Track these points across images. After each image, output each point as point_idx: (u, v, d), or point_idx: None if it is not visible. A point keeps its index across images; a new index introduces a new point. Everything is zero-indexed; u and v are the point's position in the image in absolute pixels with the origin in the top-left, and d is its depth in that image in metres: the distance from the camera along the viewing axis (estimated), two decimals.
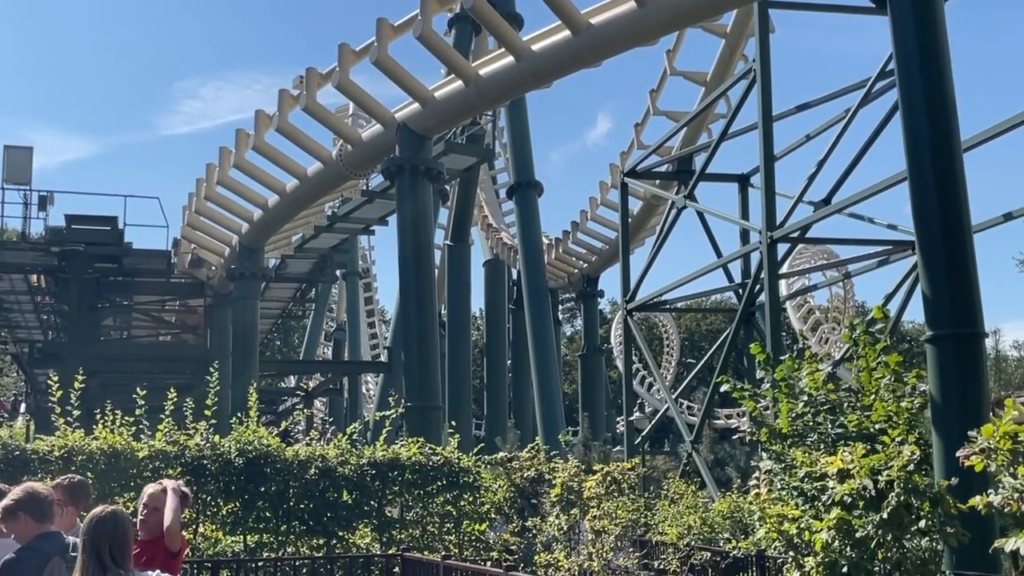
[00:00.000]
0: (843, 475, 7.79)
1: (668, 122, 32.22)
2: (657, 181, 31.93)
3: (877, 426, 13.09)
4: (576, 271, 51.90)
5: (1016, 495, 5.36)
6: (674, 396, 28.63)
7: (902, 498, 7.12)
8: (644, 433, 30.95)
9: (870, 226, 24.11)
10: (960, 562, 7.79)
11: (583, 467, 15.64)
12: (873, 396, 13.61)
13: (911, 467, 7.42)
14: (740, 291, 29.97)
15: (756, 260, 26.90)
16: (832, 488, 7.72)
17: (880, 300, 25.15)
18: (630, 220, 34.38)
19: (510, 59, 25.01)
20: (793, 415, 13.84)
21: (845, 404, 13.92)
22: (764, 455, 13.77)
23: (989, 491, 5.61)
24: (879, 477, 7.41)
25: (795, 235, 21.76)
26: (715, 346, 32.94)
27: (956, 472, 8.49)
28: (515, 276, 54.02)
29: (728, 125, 24.20)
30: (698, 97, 30.14)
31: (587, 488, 13.96)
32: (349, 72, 28.37)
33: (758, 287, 23.71)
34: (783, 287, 29.49)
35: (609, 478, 13.75)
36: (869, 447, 8.47)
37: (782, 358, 14.74)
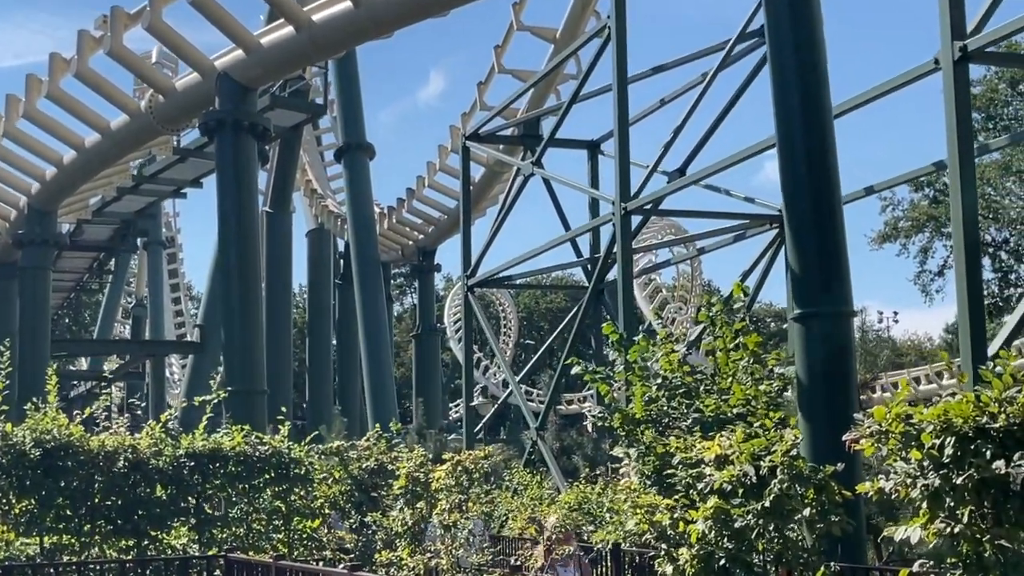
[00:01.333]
0: (721, 461, 7.96)
1: (515, 82, 32.37)
2: (501, 146, 32.05)
3: (735, 410, 13.52)
4: (411, 243, 51.72)
5: (909, 480, 5.57)
6: (516, 380, 28.89)
7: (785, 485, 7.33)
8: (485, 419, 31.22)
9: (727, 199, 24.83)
10: (829, 552, 8.10)
11: (430, 456, 15.59)
12: (730, 379, 14.04)
13: (794, 452, 7.66)
14: (589, 267, 30.47)
15: (607, 233, 27.37)
16: (709, 475, 7.89)
17: (733, 278, 25.96)
18: (471, 188, 34.45)
19: (347, 4, 24.57)
20: (647, 399, 14.15)
21: (701, 388, 14.30)
22: (620, 442, 14.00)
23: (880, 476, 5.82)
24: (761, 463, 7.61)
25: (649, 207, 22.20)
26: (561, 326, 33.39)
27: (827, 456, 8.81)
28: (342, 247, 53.42)
29: (580, 87, 24.44)
30: (547, 55, 30.35)
31: (435, 479, 13.93)
32: (161, 12, 27.38)
33: (610, 262, 24.11)
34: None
35: (460, 468, 13.74)
36: (749, 431, 8.69)
37: (635, 338, 15.04)
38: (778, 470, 7.44)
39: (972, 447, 5.36)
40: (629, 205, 21.33)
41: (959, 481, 5.34)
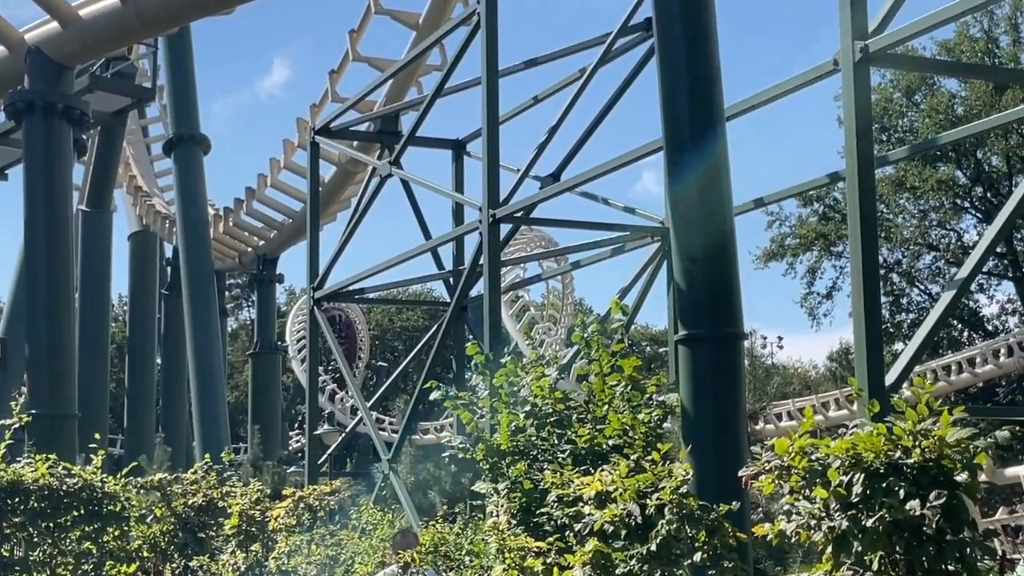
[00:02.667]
0: (603, 499, 7.84)
1: (371, 71, 32.10)
2: (355, 143, 31.69)
3: (611, 441, 13.49)
4: (250, 249, 50.84)
5: (813, 522, 5.51)
6: (368, 405, 28.51)
7: (674, 527, 7.23)
8: (331, 449, 30.73)
9: (605, 208, 24.93)
10: None
11: (268, 492, 15.17)
12: (606, 407, 14.01)
13: (684, 489, 7.56)
14: (451, 280, 30.31)
15: (472, 244, 27.20)
16: (589, 515, 7.75)
17: (610, 295, 26.07)
18: (320, 189, 33.97)
19: None
20: (514, 428, 14.02)
21: (574, 416, 14.23)
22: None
23: (780, 517, 5.75)
24: (647, 501, 7.50)
25: (520, 214, 22.15)
26: (419, 347, 33.16)
27: (713, 493, 8.77)
28: (170, 253, 52.30)
29: (444, 80, 24.27)
30: (408, 43, 30.17)
31: (274, 518, 13.52)
32: None
33: (476, 274, 23.99)
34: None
35: (303, 505, 13.36)
36: (634, 465, 8.61)
37: (503, 361, 14.91)
38: (666, 509, 7.35)
39: (884, 485, 5.33)
40: (498, 212, 21.22)
41: (869, 523, 5.30)
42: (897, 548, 5.33)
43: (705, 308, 12.33)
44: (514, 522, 13.38)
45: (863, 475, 5.39)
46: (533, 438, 13.96)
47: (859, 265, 13.45)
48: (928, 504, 5.20)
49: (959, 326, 65.45)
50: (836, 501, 5.48)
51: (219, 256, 49.17)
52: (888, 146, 62.97)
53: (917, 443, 5.41)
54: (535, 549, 8.75)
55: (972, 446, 5.27)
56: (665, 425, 13.84)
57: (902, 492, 5.29)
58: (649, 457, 11.81)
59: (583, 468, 13.36)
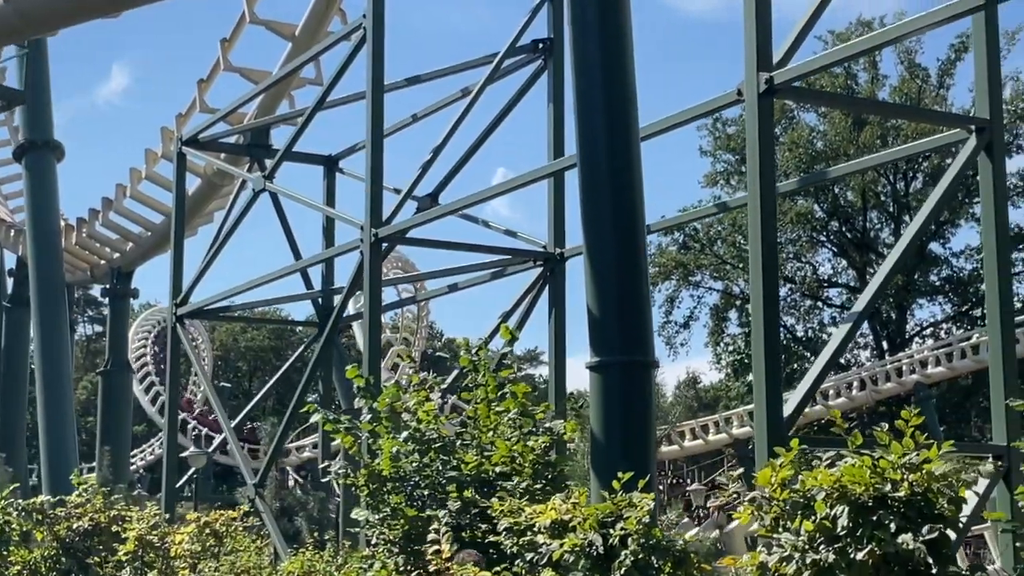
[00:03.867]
0: (559, 528, 7.69)
1: (241, 82, 31.56)
2: (223, 155, 31.06)
3: (498, 468, 13.37)
4: (103, 262, 49.39)
5: (798, 555, 5.46)
6: (232, 426, 27.84)
7: (640, 556, 7.12)
8: (191, 472, 29.99)
9: (484, 231, 24.78)
10: None
11: (167, 516, 14.59)
12: (491, 432, 13.89)
13: (648, 519, 7.46)
14: (320, 300, 29.87)
15: (341, 265, 26.88)
16: (544, 544, 7.59)
17: (489, 319, 25.98)
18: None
19: None
20: (396, 453, 13.79)
21: (458, 442, 14.07)
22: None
23: (760, 549, 5.68)
24: (611, 531, 7.37)
25: (400, 235, 21.95)
26: (285, 366, 32.62)
27: None
28: (13, 263, 50.64)
29: (326, 94, 23.99)
30: (283, 56, 29.75)
31: (176, 543, 13.00)
32: None
33: (351, 295, 23.69)
34: (351, 305, 29.73)
35: (208, 531, 12.90)
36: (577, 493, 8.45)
37: (385, 384, 14.68)
38: (630, 539, 7.24)
39: (874, 518, 5.31)
40: (381, 231, 20.98)
41: (860, 556, 5.26)
42: None
43: (616, 335, 12.29)
44: (395, 549, 13.17)
45: (848, 508, 5.38)
46: (415, 463, 13.75)
47: (759, 295, 13.56)
48: (920, 538, 5.21)
49: (812, 358, 67.07)
50: (821, 534, 5.45)
51: (69, 269, 47.72)
52: (781, 172, 64.48)
53: (905, 477, 5.42)
54: None
55: (958, 480, 5.30)
56: (551, 453, 13.78)
57: (893, 525, 5.29)
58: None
59: (469, 496, 13.25)
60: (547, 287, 22.58)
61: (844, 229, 63.47)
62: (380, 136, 21.62)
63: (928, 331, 63.78)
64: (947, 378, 56.42)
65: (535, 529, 7.97)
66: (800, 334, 67.00)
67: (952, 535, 5.35)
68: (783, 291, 66.65)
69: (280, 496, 27.30)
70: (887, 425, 6.00)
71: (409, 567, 12.86)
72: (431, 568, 8.77)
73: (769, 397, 13.18)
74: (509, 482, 12.90)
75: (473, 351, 14.45)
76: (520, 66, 23.77)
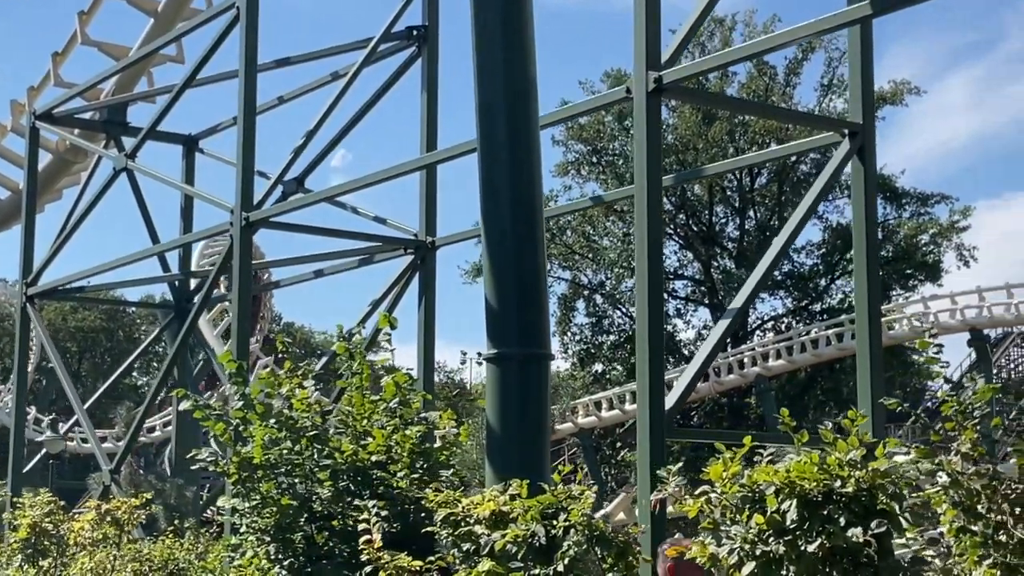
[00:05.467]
0: (498, 519, 7.86)
1: (99, 57, 30.78)
2: (76, 131, 30.32)
3: (374, 457, 13.49)
4: None
5: (748, 547, 5.76)
6: (84, 408, 27.26)
7: (583, 547, 7.34)
8: (36, 459, 29.28)
9: (352, 217, 24.76)
10: None
11: (61, 503, 14.24)
12: (365, 421, 13.99)
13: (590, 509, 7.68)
14: (177, 284, 29.50)
15: (200, 248, 26.57)
16: (484, 535, 7.74)
17: (359, 305, 25.95)
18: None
19: None
20: (268, 441, 13.78)
21: (332, 431, 14.14)
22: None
23: (710, 540, 5.97)
24: (554, 523, 7.57)
25: (272, 218, 21.84)
26: (141, 349, 32.13)
27: None
28: None
29: (195, 72, 23.68)
30: (145, 30, 29.18)
31: (75, 531, 12.72)
32: None
33: (218, 278, 23.46)
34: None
35: (109, 518, 12.67)
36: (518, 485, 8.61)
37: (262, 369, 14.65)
38: (573, 530, 7.46)
39: (824, 513, 5.64)
40: (252, 215, 20.85)
41: (810, 549, 5.59)
42: (834, 573, 5.66)
43: (515, 327, 12.51)
44: (267, 539, 13.19)
45: (796, 502, 5.70)
46: (288, 451, 13.77)
47: (644, 290, 13.96)
48: (871, 531, 5.56)
49: None
50: (771, 527, 5.76)
51: None
52: (598, 168, 65.41)
53: (851, 474, 5.78)
54: (410, 567, 8.64)
55: (902, 476, 5.67)
56: (426, 443, 13.94)
57: (842, 520, 5.64)
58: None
59: (344, 484, 13.34)
60: (417, 276, 22.71)
61: (691, 222, 64.85)
62: (252, 118, 21.49)
63: (769, 324, 65.63)
64: (787, 371, 58.24)
65: (472, 520, 8.15)
66: None
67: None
68: (630, 283, 67.80)
69: (135, 482, 26.82)
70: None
71: (280, 556, 12.92)
72: (363, 558, 8.86)
73: (652, 390, 13.60)
74: (385, 471, 13.06)
75: (348, 338, 14.50)
76: (393, 52, 23.82)
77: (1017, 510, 6.98)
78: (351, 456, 13.37)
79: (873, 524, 5.65)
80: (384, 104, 24.05)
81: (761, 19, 61.86)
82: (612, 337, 66.77)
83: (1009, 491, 7.07)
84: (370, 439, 13.37)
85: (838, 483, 5.79)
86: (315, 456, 13.57)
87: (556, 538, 7.56)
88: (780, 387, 60.64)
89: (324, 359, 22.43)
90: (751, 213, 64.98)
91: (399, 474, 13.01)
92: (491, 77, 12.95)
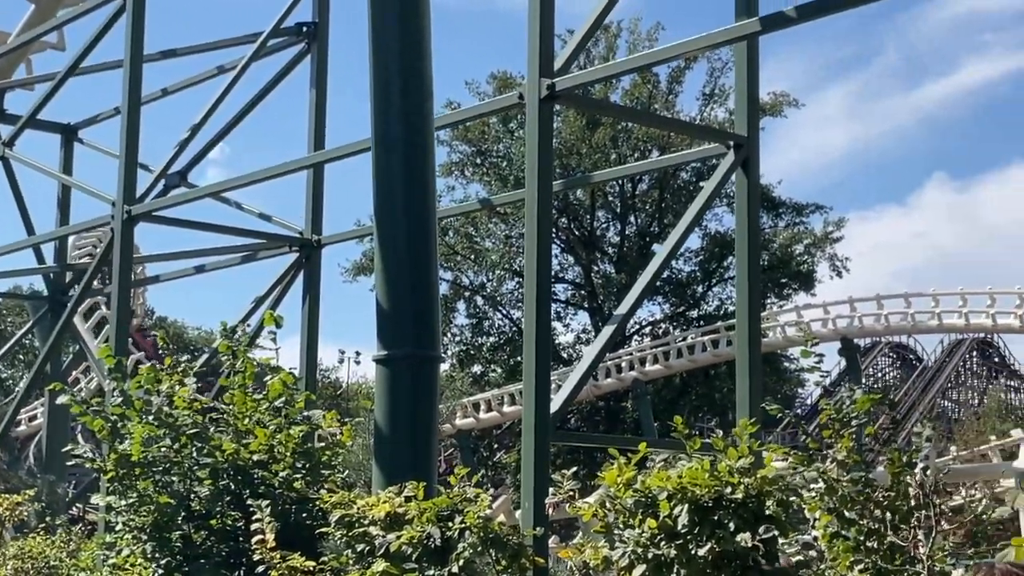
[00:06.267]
0: (394, 521, 7.92)
1: None
2: None
3: (256, 457, 13.47)
4: None
5: (640, 550, 5.93)
6: None
7: (478, 549, 7.44)
8: None
9: (236, 212, 24.53)
10: None
11: None
12: (247, 420, 13.96)
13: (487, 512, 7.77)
14: (50, 276, 28.92)
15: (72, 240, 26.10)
16: (379, 536, 7.79)
17: (240, 303, 25.72)
18: None
19: None
20: (147, 438, 13.67)
21: (213, 429, 14.07)
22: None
23: (602, 543, 6.12)
24: (450, 524, 7.64)
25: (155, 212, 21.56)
26: (12, 341, 31.43)
27: None
28: None
29: (79, 60, 23.30)
30: (25, 17, 28.59)
31: None
32: None
33: (98, 270, 23.09)
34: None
35: None
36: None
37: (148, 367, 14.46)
38: (468, 532, 7.55)
39: (715, 518, 5.83)
40: (135, 209, 20.58)
41: (701, 552, 5.78)
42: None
43: (406, 329, 12.57)
44: (144, 537, 13.08)
45: (687, 507, 5.89)
46: (168, 449, 13.67)
47: (533, 294, 14.09)
48: (759, 536, 5.77)
49: None
50: (663, 531, 5.94)
51: None
52: (482, 169, 65.66)
53: (741, 480, 5.98)
54: (303, 568, 8.65)
55: (789, 483, 5.89)
56: (308, 444, 13.95)
57: (732, 525, 5.84)
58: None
59: (224, 483, 13.30)
60: (302, 272, 22.58)
61: (573, 227, 65.42)
62: (137, 109, 21.21)
63: (647, 329, 66.50)
64: (663, 376, 59.06)
65: (367, 521, 8.20)
66: None
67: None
68: (511, 284, 68.14)
69: (5, 478, 26.21)
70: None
71: (157, 554, 12.82)
72: (255, 558, 8.84)
73: (539, 394, 13.76)
74: (267, 471, 13.05)
75: (231, 336, 14.44)
76: (282, 48, 23.66)
77: (888, 516, 7.28)
78: (232, 455, 13.31)
79: (761, 529, 5.87)
80: (269, 100, 23.86)
81: (645, 26, 62.74)
82: (492, 339, 67.09)
83: (881, 498, 7.38)
84: (252, 438, 13.37)
85: (728, 489, 6.01)
86: (195, 454, 13.50)
87: (451, 540, 7.67)
88: (656, 392, 61.50)
89: (204, 356, 22.20)
90: (632, 219, 65.79)
91: (281, 474, 13.03)
92: (388, 77, 13.00)
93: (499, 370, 64.67)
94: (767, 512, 6.02)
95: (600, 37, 62.99)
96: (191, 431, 13.69)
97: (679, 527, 5.93)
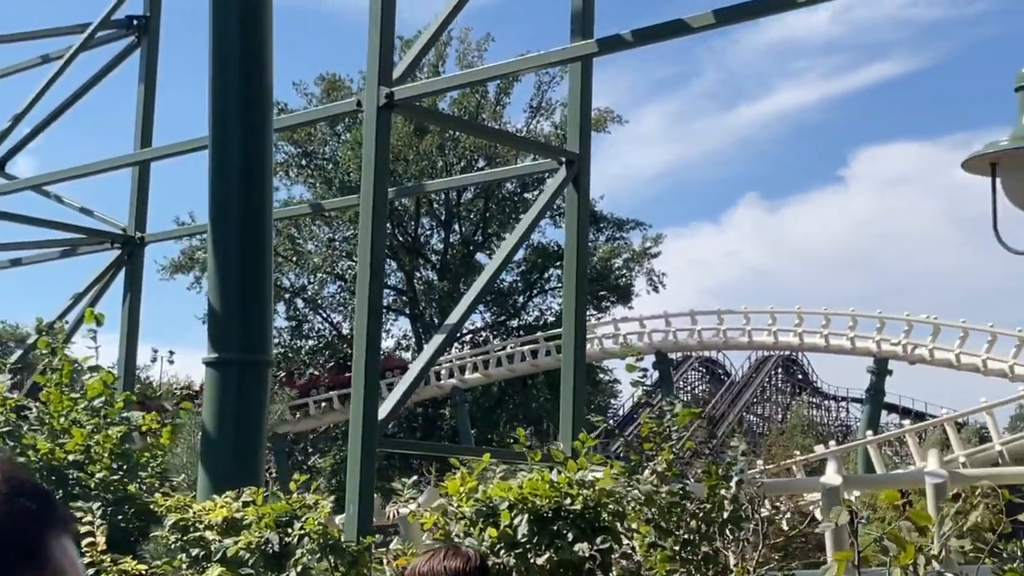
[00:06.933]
0: (230, 526, 7.83)
1: None
2: None
3: (71, 457, 13.20)
4: None
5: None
6: None
7: (317, 555, 7.40)
8: None
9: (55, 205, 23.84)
10: None
11: None
12: (63, 419, 13.67)
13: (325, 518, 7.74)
14: None
15: None
16: (215, 541, 7.69)
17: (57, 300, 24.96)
18: None
19: None
20: None
21: (26, 428, 13.74)
22: None
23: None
24: (290, 530, 7.58)
25: None
26: None
27: None
28: None
29: None
30: None
31: None
32: None
33: None
34: None
35: None
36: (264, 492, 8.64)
37: None
38: (307, 539, 7.50)
39: (553, 528, 5.99)
40: None
41: (540, 561, 5.93)
42: None
43: (237, 332, 12.46)
44: None
45: (527, 517, 6.03)
46: None
47: (365, 302, 14.18)
48: (596, 547, 5.95)
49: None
50: (502, 540, 6.07)
51: None
52: (307, 171, 65.08)
53: (580, 492, 6.16)
54: (136, 572, 8.49)
55: (624, 495, 6.09)
56: (127, 445, 13.73)
57: (570, 535, 6.01)
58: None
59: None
60: (124, 269, 22.12)
61: (396, 232, 65.35)
62: None
63: (468, 338, 66.81)
64: (482, 384, 59.40)
65: (203, 525, 8.10)
66: (346, 331, 68.40)
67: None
68: (333, 288, 67.74)
69: None
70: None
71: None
72: (87, 560, 8.65)
73: (367, 400, 13.82)
74: (83, 472, 12.81)
75: (48, 332, 14.15)
76: (110, 40, 23.13)
77: (703, 528, 7.59)
78: (47, 455, 13.01)
79: (598, 540, 6.07)
80: (96, 93, 23.31)
81: (476, 36, 63.14)
82: (311, 342, 66.50)
83: (697, 510, 7.69)
84: (68, 438, 13.09)
85: (568, 500, 6.19)
86: (10, 454, 13.15)
87: (290, 546, 7.64)
88: (475, 399, 61.85)
89: (18, 353, 21.55)
90: (456, 227, 66.08)
91: (98, 475, 12.78)
92: (227, 77, 12.88)
93: (317, 373, 64.14)
94: (603, 523, 6.23)
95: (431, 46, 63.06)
96: (3, 429, 13.35)
97: (519, 536, 6.08)
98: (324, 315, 67.84)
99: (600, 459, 6.81)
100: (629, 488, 7.02)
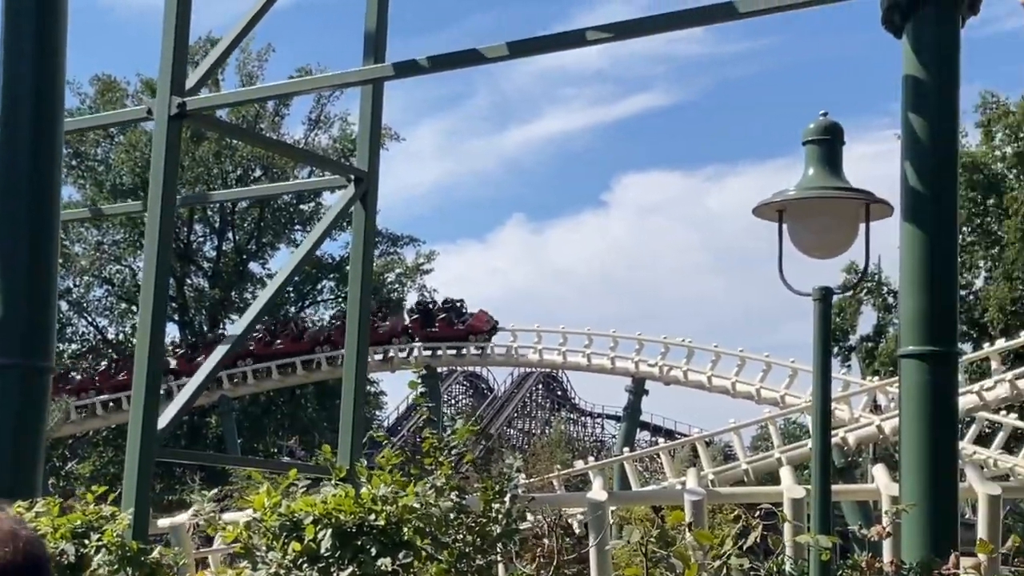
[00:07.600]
0: None
1: None
2: None
3: None
4: None
5: (283, 572, 6.02)
6: None
7: (114, 567, 7.20)
8: None
9: None
10: None
11: None
12: None
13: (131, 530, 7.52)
14: None
15: None
16: None
17: None
18: None
19: None
20: None
21: None
22: None
23: (245, 563, 6.16)
24: (86, 541, 7.34)
25: None
26: None
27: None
28: None
29: None
30: None
31: None
32: None
33: None
34: None
35: None
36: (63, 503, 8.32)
37: None
38: (104, 550, 7.29)
39: (359, 543, 6.03)
40: None
41: (343, 575, 5.97)
42: None
43: (20, 338, 12.01)
44: None
45: (330, 532, 6.06)
46: None
47: (148, 310, 13.92)
48: (398, 561, 6.02)
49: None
50: (306, 555, 6.08)
51: None
52: (78, 171, 62.92)
53: (383, 508, 6.22)
54: None
55: (427, 512, 6.19)
56: None
57: (374, 550, 6.06)
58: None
59: None
60: None
61: None
62: None
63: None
64: (250, 393, 58.43)
65: None
66: (111, 336, 66.39)
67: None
68: (100, 292, 65.67)
69: None
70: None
71: None
72: None
73: (147, 408, 13.53)
74: None
75: None
76: None
77: (478, 541, 7.77)
78: None
79: (401, 555, 6.15)
80: None
81: (256, 47, 62.25)
82: (75, 346, 64.31)
83: (473, 523, 7.87)
84: None
85: (372, 516, 6.25)
86: None
87: (86, 557, 7.45)
88: (243, 408, 60.85)
89: None
90: (230, 235, 64.98)
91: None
92: (18, 75, 12.44)
93: (79, 378, 61.96)
94: (406, 538, 6.32)
95: (209, 51, 61.86)
96: None
97: (323, 550, 6.11)
98: (89, 319, 65.69)
99: (397, 477, 6.89)
100: (444, 507, 7.14)
